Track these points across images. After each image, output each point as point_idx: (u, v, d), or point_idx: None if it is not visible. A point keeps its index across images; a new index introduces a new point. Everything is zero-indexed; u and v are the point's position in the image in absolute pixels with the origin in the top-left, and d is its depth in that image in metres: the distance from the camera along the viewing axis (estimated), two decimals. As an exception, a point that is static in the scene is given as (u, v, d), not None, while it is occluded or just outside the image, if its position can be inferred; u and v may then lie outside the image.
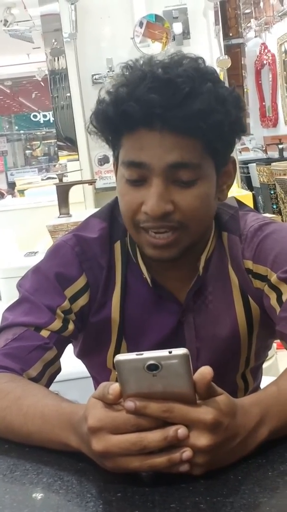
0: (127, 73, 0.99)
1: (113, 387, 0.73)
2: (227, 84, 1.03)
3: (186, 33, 4.04)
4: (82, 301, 1.10)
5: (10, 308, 1.08)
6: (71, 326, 1.08)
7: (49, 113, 15.57)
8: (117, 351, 1.13)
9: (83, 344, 1.17)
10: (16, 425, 0.88)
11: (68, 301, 1.08)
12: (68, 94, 4.05)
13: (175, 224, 0.99)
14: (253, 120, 8.88)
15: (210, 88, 0.95)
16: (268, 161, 6.91)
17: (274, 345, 2.44)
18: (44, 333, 1.04)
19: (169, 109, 0.92)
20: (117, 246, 1.12)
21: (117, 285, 1.11)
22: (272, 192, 6.12)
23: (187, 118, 0.93)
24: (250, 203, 3.67)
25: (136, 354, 0.70)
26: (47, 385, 1.04)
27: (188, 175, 0.97)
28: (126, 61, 1.01)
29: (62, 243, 1.12)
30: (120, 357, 0.71)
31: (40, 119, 17.31)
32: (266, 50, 8.72)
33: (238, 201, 1.18)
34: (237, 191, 3.92)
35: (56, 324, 1.05)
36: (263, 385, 1.13)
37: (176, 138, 0.95)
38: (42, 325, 1.04)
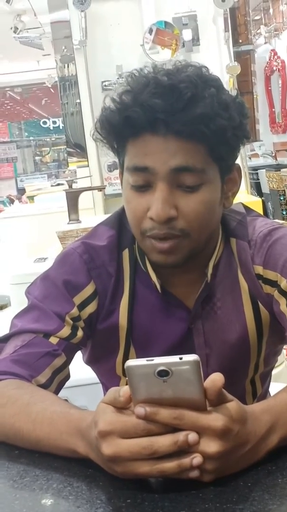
0: (131, 81, 1.00)
1: (124, 390, 0.73)
2: (237, 91, 1.04)
3: (195, 40, 4.04)
4: (91, 308, 1.10)
5: (19, 315, 1.09)
6: (80, 333, 1.08)
7: (58, 120, 15.66)
8: (126, 358, 1.13)
9: (92, 351, 1.17)
10: (25, 432, 0.88)
11: (77, 308, 1.08)
12: (78, 101, 4.06)
13: (177, 232, 0.99)
14: (262, 126, 8.87)
15: (212, 93, 0.96)
16: (278, 167, 6.89)
17: (284, 351, 2.43)
18: (53, 340, 1.04)
19: (172, 113, 0.93)
20: (126, 253, 1.12)
21: (125, 292, 1.11)
22: (281, 198, 6.11)
23: (190, 122, 0.94)
24: (260, 209, 3.66)
25: (147, 360, 0.71)
26: (56, 391, 1.04)
27: (192, 179, 0.98)
28: (131, 70, 1.02)
29: (71, 250, 1.13)
30: (131, 362, 0.71)
31: (50, 125, 17.40)
32: (275, 57, 8.72)
33: (245, 207, 1.18)
34: (247, 197, 3.92)
35: (65, 331, 1.05)
36: (273, 391, 1.13)
37: (180, 142, 0.96)
38: (51, 332, 1.04)
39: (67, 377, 1.07)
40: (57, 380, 1.04)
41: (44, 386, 1.00)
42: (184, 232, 1.00)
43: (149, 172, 0.98)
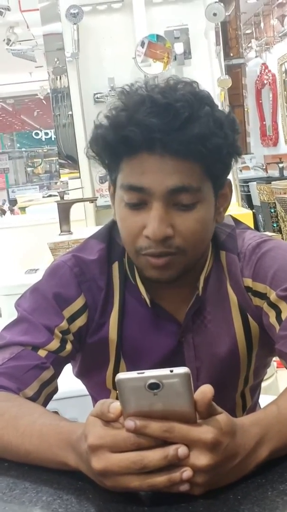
0: (124, 98, 0.99)
1: (114, 406, 0.73)
2: (227, 104, 1.05)
3: (187, 53, 4.07)
4: (80, 321, 1.10)
5: (8, 328, 1.08)
6: (69, 347, 1.07)
7: (50, 131, 15.71)
8: (116, 371, 1.12)
9: (82, 364, 1.17)
10: (14, 445, 0.88)
11: (66, 321, 1.08)
12: (70, 113, 4.07)
13: (173, 250, 0.99)
14: (253, 139, 8.94)
15: (208, 112, 0.96)
16: (269, 179, 6.93)
17: (274, 363, 2.43)
18: (42, 352, 1.03)
19: (169, 133, 0.93)
20: (115, 267, 1.12)
21: (115, 306, 1.11)
22: (272, 210, 6.14)
23: (186, 142, 0.93)
24: (250, 222, 3.68)
25: (138, 373, 0.71)
26: (44, 404, 1.03)
27: (188, 198, 0.98)
28: (123, 86, 1.01)
29: (61, 263, 1.12)
30: (122, 375, 0.71)
31: (41, 137, 17.44)
32: (266, 70, 8.80)
33: (235, 219, 1.18)
34: (238, 210, 3.93)
35: (54, 344, 1.05)
36: (263, 404, 1.13)
37: (176, 162, 0.95)
38: (40, 345, 1.04)
39: (55, 390, 1.07)
40: (45, 393, 1.03)
41: (32, 399, 1.00)
42: (180, 250, 1.00)
43: (145, 192, 0.98)
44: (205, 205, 1.00)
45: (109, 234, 1.14)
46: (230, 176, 1.09)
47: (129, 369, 1.12)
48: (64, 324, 1.07)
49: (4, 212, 9.83)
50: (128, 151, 0.97)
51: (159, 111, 0.94)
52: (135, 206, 1.00)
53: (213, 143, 0.95)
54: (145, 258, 1.01)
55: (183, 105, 0.94)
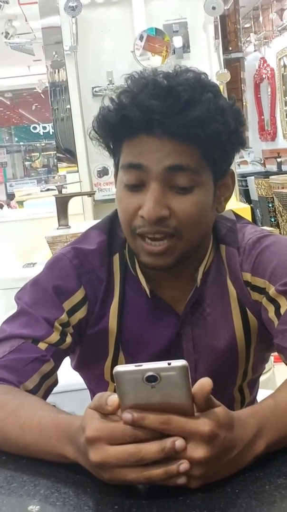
0: (130, 82, 1.00)
1: (112, 399, 0.73)
2: (234, 97, 1.05)
3: (186, 47, 4.07)
4: (80, 314, 1.10)
5: (8, 321, 1.08)
6: (68, 339, 1.08)
7: (49, 125, 15.66)
8: (114, 363, 1.13)
9: (80, 357, 1.17)
10: (13, 437, 0.88)
11: (66, 314, 1.08)
12: (68, 106, 4.07)
13: (170, 230, 1.00)
14: (251, 133, 8.94)
15: (209, 97, 0.96)
16: (267, 174, 6.94)
17: (271, 358, 2.43)
18: (42, 345, 1.04)
19: (168, 115, 0.94)
20: (116, 258, 1.13)
21: (115, 297, 1.11)
22: (270, 205, 6.14)
23: (185, 124, 0.94)
24: (248, 216, 3.68)
25: (135, 366, 0.71)
26: (44, 397, 1.03)
27: (185, 180, 0.98)
28: (132, 72, 1.02)
29: (61, 255, 1.13)
30: (120, 368, 0.71)
31: (40, 130, 17.38)
32: (265, 64, 8.78)
33: (236, 214, 1.19)
34: (236, 204, 3.93)
35: (54, 337, 1.05)
36: (260, 398, 1.13)
37: (175, 144, 0.96)
38: (40, 337, 1.04)
39: (55, 382, 1.07)
40: (45, 386, 1.04)
41: (32, 391, 1.00)
42: (177, 230, 1.00)
43: (142, 170, 0.98)
44: (202, 190, 1.00)
45: (111, 225, 1.14)
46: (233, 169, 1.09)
47: (128, 360, 1.12)
48: (64, 317, 1.07)
49: (1, 206, 9.81)
50: (128, 131, 0.98)
51: (160, 94, 0.95)
52: (133, 187, 1.00)
53: (212, 128, 0.96)
54: (140, 242, 1.02)
55: (184, 89, 0.95)
